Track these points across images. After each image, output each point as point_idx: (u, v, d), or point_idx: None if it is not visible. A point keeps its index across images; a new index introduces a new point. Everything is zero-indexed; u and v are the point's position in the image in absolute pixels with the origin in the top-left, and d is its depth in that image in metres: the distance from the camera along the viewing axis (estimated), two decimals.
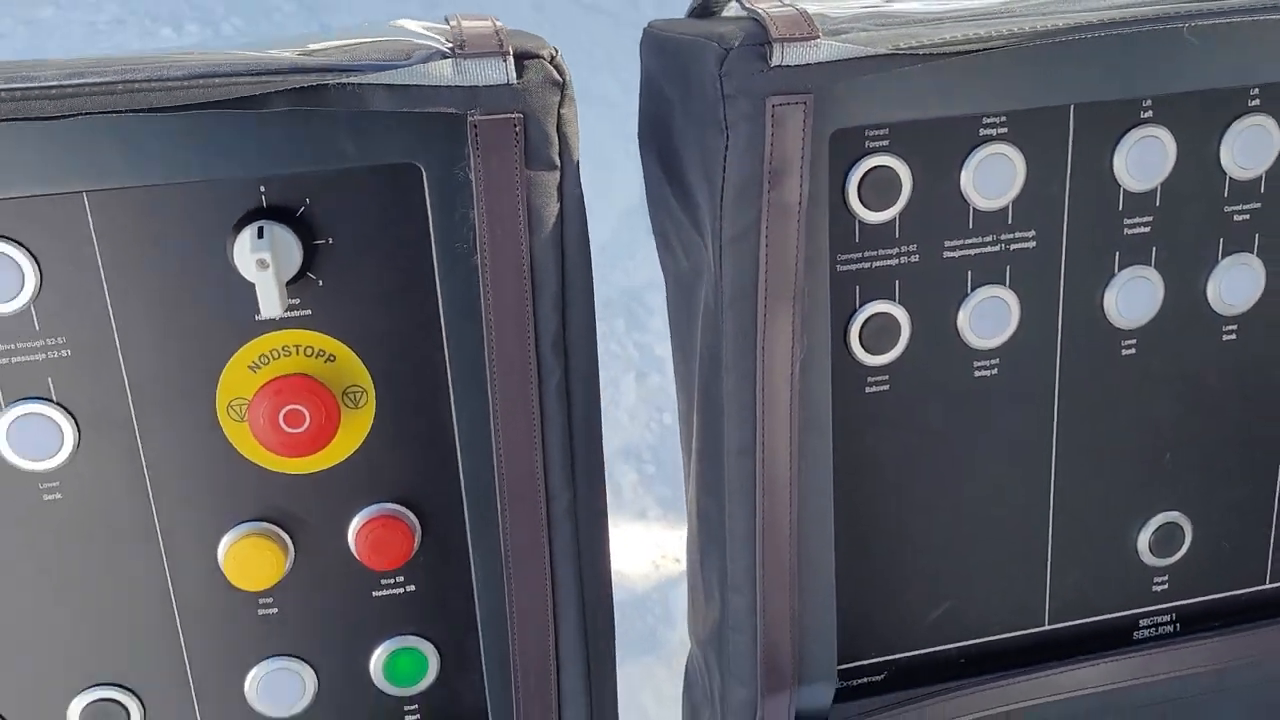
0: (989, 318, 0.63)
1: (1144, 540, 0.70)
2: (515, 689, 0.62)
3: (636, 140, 0.66)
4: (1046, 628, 0.71)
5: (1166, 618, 0.73)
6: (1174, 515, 0.70)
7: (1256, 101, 0.62)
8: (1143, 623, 0.73)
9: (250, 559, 0.58)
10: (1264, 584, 0.73)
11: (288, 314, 0.55)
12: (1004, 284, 0.63)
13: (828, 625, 0.65)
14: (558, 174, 0.52)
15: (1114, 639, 0.72)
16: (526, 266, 0.52)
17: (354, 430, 0.58)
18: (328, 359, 0.57)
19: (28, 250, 0.53)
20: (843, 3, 0.60)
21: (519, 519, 0.58)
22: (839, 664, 0.67)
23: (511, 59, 0.49)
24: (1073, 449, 0.67)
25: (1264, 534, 0.72)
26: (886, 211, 0.60)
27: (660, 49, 0.60)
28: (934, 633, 0.70)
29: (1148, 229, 0.63)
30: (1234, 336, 0.67)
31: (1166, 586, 0.72)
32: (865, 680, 0.70)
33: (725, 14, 0.60)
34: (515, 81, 0.49)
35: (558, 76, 0.51)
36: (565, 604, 0.61)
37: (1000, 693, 0.69)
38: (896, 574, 0.68)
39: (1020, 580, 0.70)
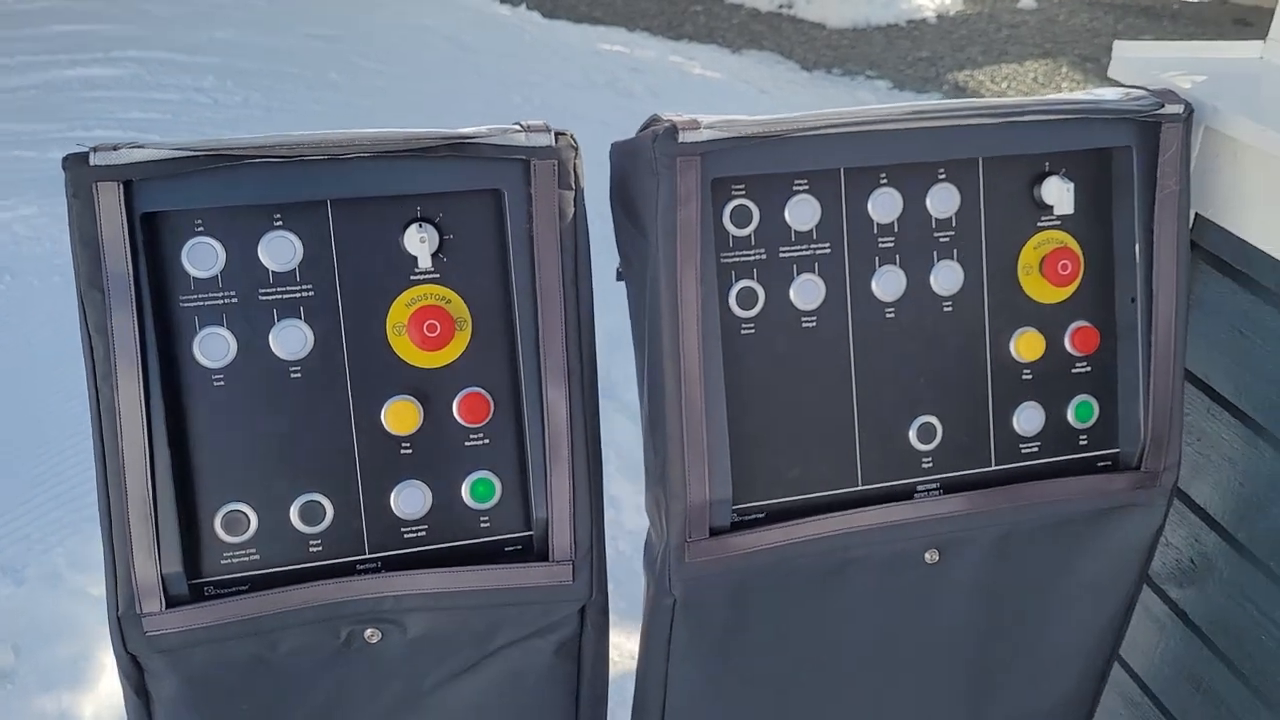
0: (808, 292, 1.13)
1: (913, 433, 1.17)
2: (549, 506, 1.06)
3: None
4: (859, 487, 1.17)
5: (934, 484, 1.19)
6: (930, 417, 1.17)
7: (944, 173, 1.15)
8: (919, 487, 1.19)
9: (400, 415, 1.04)
10: (990, 465, 1.20)
11: (427, 274, 1.04)
12: (814, 272, 1.13)
13: (725, 474, 1.10)
14: (573, 192, 1.03)
15: (901, 496, 1.18)
16: (557, 238, 1.02)
17: (459, 344, 1.05)
18: (447, 301, 1.05)
19: (296, 233, 1.01)
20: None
21: (554, 394, 1.05)
22: (734, 505, 1.12)
23: (552, 133, 1.01)
24: (863, 373, 1.15)
25: (986, 433, 1.20)
26: (745, 229, 1.10)
27: (622, 148, 1.12)
28: (791, 487, 1.15)
29: (892, 244, 1.15)
30: (950, 308, 1.17)
31: (931, 464, 1.18)
32: (751, 517, 1.14)
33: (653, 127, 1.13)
34: (554, 144, 1.01)
35: (573, 143, 1.02)
36: (579, 453, 1.06)
37: (836, 521, 1.14)
38: (766, 447, 1.14)
39: (841, 456, 1.16)
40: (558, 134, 1.02)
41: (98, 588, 2.32)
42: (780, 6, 8.76)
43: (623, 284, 1.16)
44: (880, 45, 8.02)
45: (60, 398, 2.81)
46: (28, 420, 2.73)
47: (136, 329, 0.96)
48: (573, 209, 1.03)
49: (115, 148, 0.94)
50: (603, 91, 5.67)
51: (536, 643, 1.10)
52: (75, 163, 0.94)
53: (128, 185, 0.94)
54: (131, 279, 0.95)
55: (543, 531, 1.08)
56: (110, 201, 0.94)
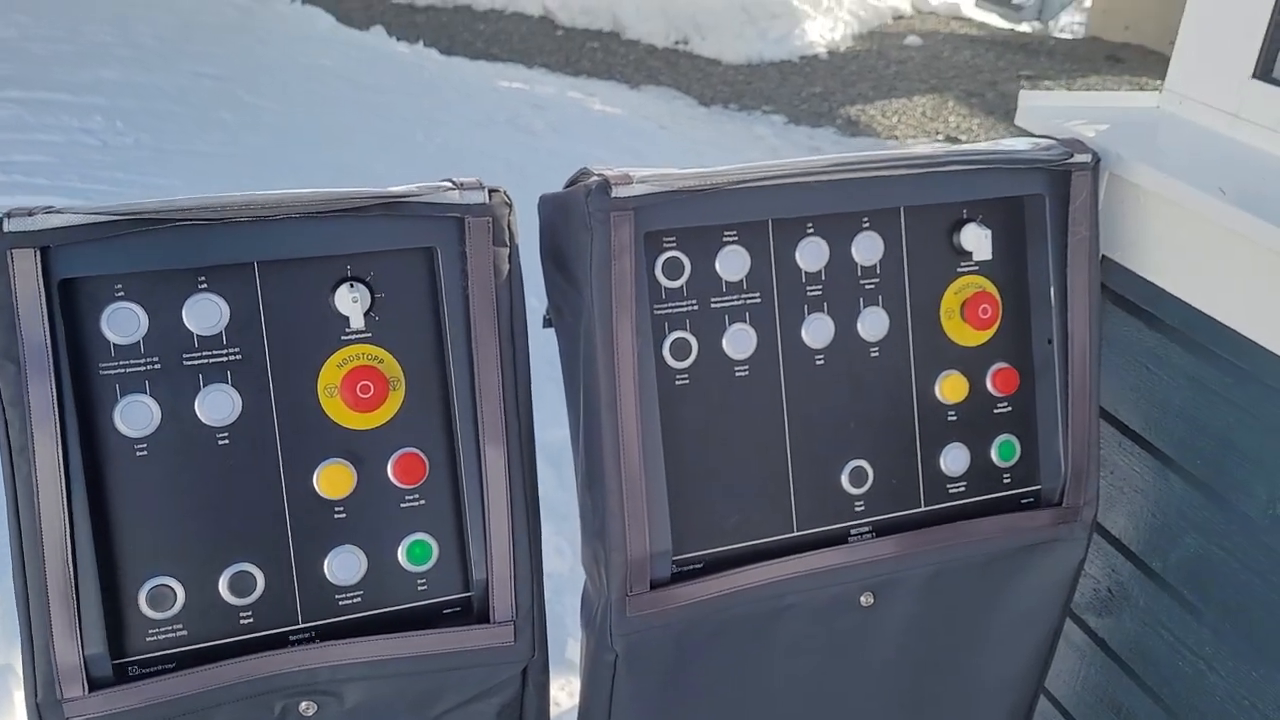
0: (740, 341, 1.14)
1: (845, 477, 1.19)
2: (489, 567, 1.05)
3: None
4: (795, 533, 1.18)
5: (866, 527, 1.21)
6: (861, 461, 1.20)
7: (867, 222, 1.17)
8: (852, 531, 1.21)
9: (333, 478, 1.02)
10: (919, 506, 1.23)
11: (359, 334, 1.02)
12: (745, 322, 1.14)
13: (664, 526, 1.10)
14: (507, 249, 1.02)
15: (836, 540, 1.19)
16: (493, 295, 1.01)
17: (392, 404, 1.04)
18: (379, 361, 1.03)
19: (223, 296, 0.98)
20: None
21: (491, 452, 1.03)
22: (673, 555, 1.12)
23: (486, 190, 1.00)
24: (795, 419, 1.17)
25: (914, 474, 1.22)
26: (677, 281, 1.11)
27: (552, 201, 1.12)
28: (729, 535, 1.16)
29: (820, 291, 1.17)
30: (877, 354, 1.20)
31: (863, 507, 1.21)
32: (690, 568, 1.14)
33: (584, 181, 1.13)
34: (488, 201, 1.00)
35: (507, 200, 1.02)
36: (518, 511, 1.05)
37: (774, 568, 1.15)
38: (703, 496, 1.14)
39: (777, 503, 1.17)
40: (491, 191, 1.01)
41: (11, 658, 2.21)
42: (676, 43, 8.88)
43: (549, 330, 1.16)
44: (775, 81, 8.20)
45: None
46: None
47: (55, 400, 0.92)
48: (507, 265, 1.03)
49: (31, 213, 0.91)
50: (504, 128, 5.67)
51: (479, 706, 1.09)
52: (10, 225, 0.90)
53: (44, 251, 0.91)
54: (49, 348, 0.92)
55: (482, 592, 1.07)
56: (26, 268, 0.90)
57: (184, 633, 1.00)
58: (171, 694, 0.98)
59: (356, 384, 1.00)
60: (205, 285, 0.98)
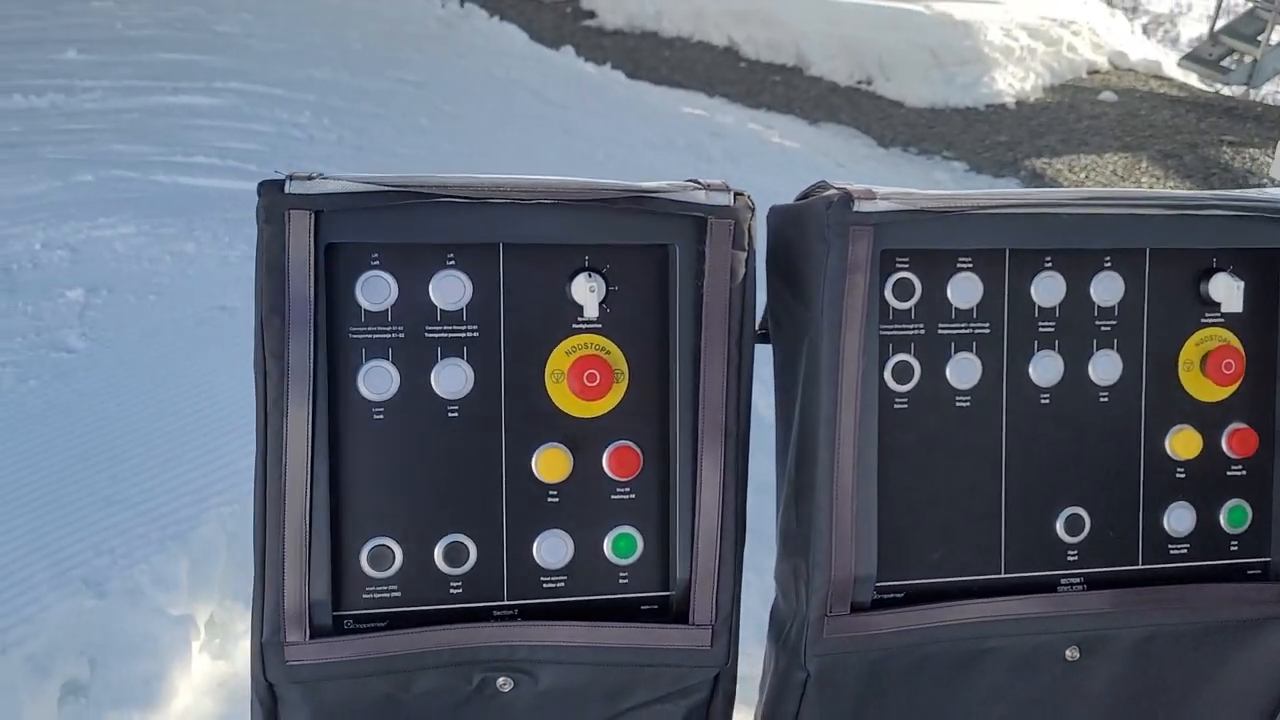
0: (964, 371, 1.11)
1: (1060, 524, 1.14)
2: (693, 567, 1.04)
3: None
4: (1002, 575, 1.14)
5: (1078, 578, 1.15)
6: (1078, 509, 1.14)
7: (1109, 261, 1.13)
8: (1062, 580, 1.15)
9: (551, 462, 1.03)
10: (1137, 564, 1.17)
11: (590, 323, 1.03)
12: (971, 351, 1.11)
13: (871, 550, 1.08)
14: (745, 253, 1.02)
15: (1044, 588, 1.14)
16: (727, 297, 1.02)
17: (614, 396, 1.05)
18: (606, 352, 1.04)
19: (468, 273, 1.01)
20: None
21: (709, 454, 1.03)
22: (876, 582, 1.10)
23: (731, 193, 1.01)
24: (1014, 457, 1.13)
25: (1134, 530, 1.16)
26: (907, 303, 1.09)
27: (784, 212, 1.11)
28: (933, 568, 1.12)
29: (1052, 328, 1.13)
30: (1107, 399, 1.15)
31: (1076, 557, 1.15)
32: (890, 596, 1.11)
33: (822, 194, 1.12)
34: (732, 204, 1.01)
35: (750, 204, 1.02)
36: (728, 516, 1.04)
37: (977, 608, 1.11)
38: (911, 526, 1.11)
39: (986, 541, 1.13)
40: (736, 194, 1.02)
41: (178, 608, 2.34)
42: (859, 82, 8.82)
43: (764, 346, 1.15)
44: (958, 127, 8.04)
45: (150, 415, 2.84)
46: (113, 436, 2.76)
47: (312, 356, 0.96)
48: (743, 269, 1.03)
49: (310, 177, 0.96)
50: (682, 153, 5.73)
51: (667, 707, 1.08)
52: (270, 189, 0.95)
53: (317, 214, 0.95)
54: (312, 307, 0.96)
55: (682, 593, 1.06)
56: (301, 229, 0.95)
57: (398, 594, 1.03)
58: (381, 651, 1.01)
59: (584, 372, 1.02)
60: (453, 262, 1.01)
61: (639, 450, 1.05)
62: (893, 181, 6.98)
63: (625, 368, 1.05)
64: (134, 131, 4.33)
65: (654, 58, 8.79)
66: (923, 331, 1.10)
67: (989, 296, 1.10)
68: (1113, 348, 1.14)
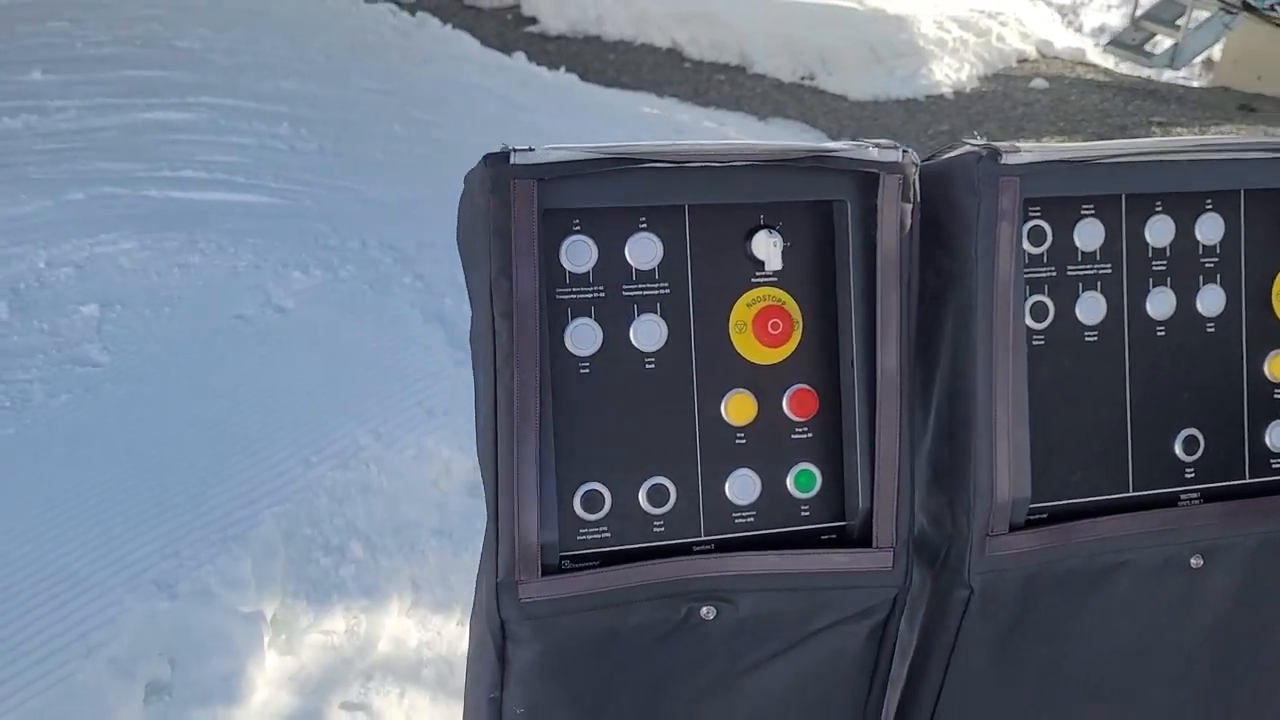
0: (1091, 309, 1.22)
1: (1178, 444, 1.27)
2: (874, 496, 1.15)
3: None
4: (1131, 494, 1.26)
5: (1195, 493, 1.28)
6: (1193, 430, 1.27)
7: (1210, 203, 1.26)
8: (1181, 496, 1.28)
9: (739, 407, 1.13)
10: (1244, 478, 1.30)
11: (768, 277, 1.13)
12: (1097, 290, 1.23)
13: (1025, 475, 1.19)
14: (911, 205, 1.13)
15: (1168, 503, 1.27)
16: (898, 246, 1.12)
17: (792, 342, 1.15)
18: (783, 302, 1.14)
19: (658, 235, 1.11)
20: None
21: (885, 397, 1.14)
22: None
23: (900, 149, 1.12)
24: (1136, 385, 1.25)
25: (1240, 447, 1.30)
26: (1040, 248, 1.21)
27: (928, 169, 1.22)
28: (1072, 490, 1.24)
29: (1164, 267, 1.25)
30: (1213, 329, 1.28)
31: (1193, 475, 1.28)
32: (1037, 517, 1.23)
33: (967, 150, 1.23)
34: (901, 160, 1.12)
35: (915, 160, 1.13)
36: (904, 449, 1.15)
37: (1113, 524, 1.23)
38: (1052, 452, 1.23)
39: (1115, 464, 1.25)
40: (904, 150, 1.13)
41: (247, 605, 2.38)
42: (802, 78, 9.01)
43: None
44: (901, 118, 8.28)
45: (182, 423, 2.86)
46: (151, 446, 2.78)
47: (538, 315, 1.05)
48: (910, 220, 1.14)
49: (531, 149, 1.04)
50: None
51: (853, 626, 1.18)
52: (496, 160, 1.03)
53: (539, 183, 1.04)
54: (536, 269, 1.05)
55: (861, 521, 1.16)
56: (525, 196, 1.03)
57: (607, 534, 1.12)
58: (599, 587, 1.10)
59: (768, 321, 1.12)
60: (645, 225, 1.10)
61: (816, 392, 1.16)
62: None
63: (800, 316, 1.15)
64: (115, 149, 4.31)
65: (600, 61, 8.89)
66: (1054, 273, 1.22)
67: (1109, 239, 1.23)
68: (1217, 283, 1.27)
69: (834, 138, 7.81)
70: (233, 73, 5.30)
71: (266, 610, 2.38)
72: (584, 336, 1.09)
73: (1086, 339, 1.24)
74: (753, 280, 1.14)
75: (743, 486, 1.15)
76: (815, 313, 1.15)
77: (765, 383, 1.15)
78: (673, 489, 1.13)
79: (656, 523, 1.13)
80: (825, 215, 1.15)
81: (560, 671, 1.13)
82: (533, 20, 9.79)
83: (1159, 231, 1.24)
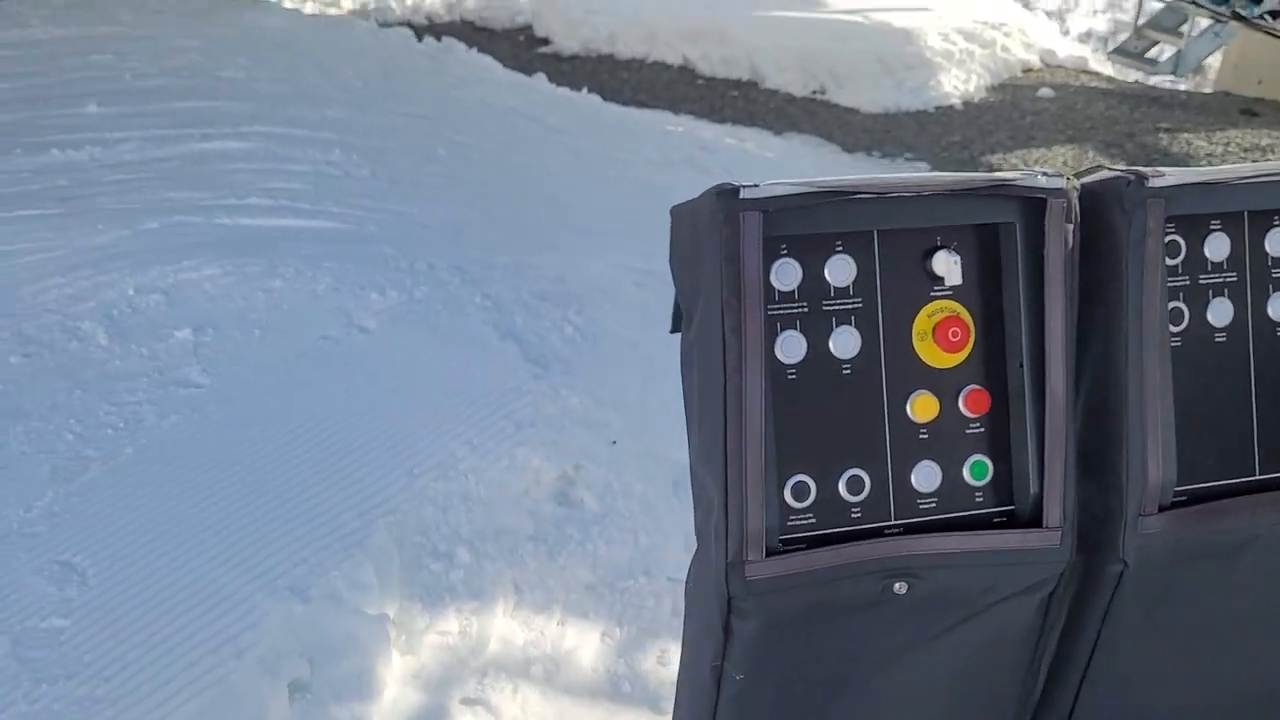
0: (1221, 313, 1.39)
1: None
2: (1043, 482, 1.31)
3: None
4: (1256, 476, 1.43)
5: None
6: None
7: None
8: None
9: (923, 405, 1.29)
10: None
11: (945, 291, 1.29)
12: (1225, 296, 1.39)
13: (1172, 460, 1.35)
14: (1072, 225, 1.30)
15: None
16: (1062, 261, 1.28)
17: (967, 348, 1.31)
18: (958, 313, 1.30)
19: (852, 256, 1.27)
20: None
21: (1053, 396, 1.30)
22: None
23: (1064, 177, 1.28)
24: (1260, 380, 1.42)
25: None
26: (1175, 259, 1.37)
27: (1083, 193, 1.38)
28: (1206, 474, 1.40)
29: None
30: None
31: None
32: (1178, 499, 1.39)
33: (1109, 175, 1.39)
34: (1065, 186, 1.28)
35: (1076, 185, 1.30)
36: (1070, 436, 1.31)
37: (1243, 503, 1.39)
38: (1189, 440, 1.39)
39: (1242, 449, 1.42)
40: (1067, 178, 1.29)
41: (372, 608, 2.53)
42: (814, 92, 9.21)
43: None
44: (912, 130, 8.47)
45: (287, 439, 3.01)
46: (261, 461, 2.92)
47: (763, 330, 1.21)
48: (1071, 239, 1.30)
49: (755, 185, 1.20)
50: (682, 168, 6.00)
51: (1025, 599, 1.34)
52: (727, 195, 1.19)
53: (764, 214, 1.20)
54: (760, 290, 1.21)
55: (1031, 504, 1.32)
56: (752, 226, 1.19)
57: (813, 520, 1.27)
58: (811, 566, 1.25)
59: (948, 330, 1.28)
60: (840, 248, 1.26)
61: (988, 392, 1.32)
62: None
63: (972, 324, 1.31)
64: (180, 178, 4.46)
65: (614, 80, 9.07)
66: (1188, 282, 1.38)
67: (1234, 250, 1.39)
68: None
69: (849, 151, 8.00)
70: (278, 102, 5.46)
71: (388, 612, 2.52)
72: (791, 346, 1.26)
73: (1216, 339, 1.40)
74: (932, 294, 1.30)
75: (926, 476, 1.31)
76: (985, 321, 1.32)
77: (944, 384, 1.31)
78: (867, 479, 1.29)
79: (854, 509, 1.29)
80: (993, 234, 1.31)
81: (775, 641, 1.29)
82: (545, 41, 9.98)
83: (1278, 242, 1.41)
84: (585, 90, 7.65)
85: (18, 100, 5.20)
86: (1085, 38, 11.91)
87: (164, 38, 6.16)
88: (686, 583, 1.38)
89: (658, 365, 3.83)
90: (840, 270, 1.27)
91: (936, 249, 1.29)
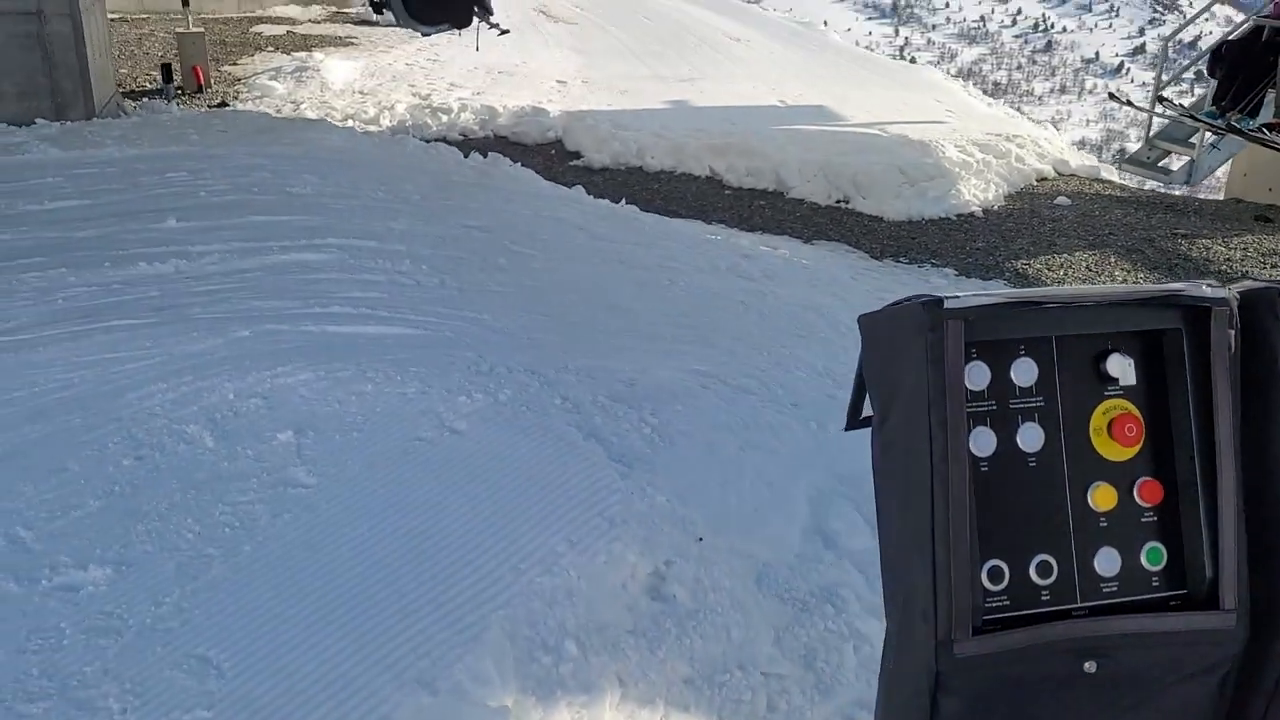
0: None
1: None
2: (1217, 569, 1.44)
3: None
4: None
5: None
6: None
7: None
8: None
9: (1102, 496, 1.44)
10: None
11: (1119, 390, 1.45)
12: None
13: None
14: (1234, 331, 1.46)
15: None
16: (1226, 364, 1.45)
17: (1139, 443, 1.46)
18: (1130, 410, 1.46)
19: (1034, 359, 1.43)
20: None
21: (1225, 482, 1.44)
22: None
23: (1227, 287, 1.45)
24: None
25: None
26: None
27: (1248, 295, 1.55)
28: None
29: None
30: None
31: None
32: None
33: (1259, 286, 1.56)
34: (1227, 296, 1.45)
35: (1237, 295, 1.47)
36: (1240, 524, 1.45)
37: None
38: None
39: None
40: (1228, 288, 1.46)
41: (494, 700, 2.62)
42: (837, 201, 9.54)
43: None
44: (936, 237, 8.75)
45: (399, 537, 3.14)
46: (376, 558, 3.05)
47: (966, 424, 1.36)
48: (1234, 344, 1.46)
49: (957, 296, 1.37)
50: (728, 276, 6.24)
51: (1204, 679, 1.46)
52: (933, 305, 1.36)
53: (965, 323, 1.37)
54: (964, 389, 1.37)
55: (1205, 588, 1.45)
56: (956, 333, 1.36)
57: (1007, 602, 1.40)
58: (1008, 646, 1.38)
59: (1124, 426, 1.43)
60: (1023, 351, 1.43)
61: (1161, 483, 1.46)
62: (895, 287, 7.50)
63: (1143, 420, 1.46)
64: (264, 288, 4.66)
65: (646, 190, 9.40)
66: None
67: None
68: None
69: (877, 258, 8.26)
70: (346, 215, 5.71)
71: (508, 704, 2.61)
72: (984, 441, 1.41)
73: None
74: (1106, 393, 1.46)
75: (1107, 561, 1.44)
76: (1153, 416, 1.47)
77: (1120, 475, 1.45)
78: (1055, 564, 1.43)
79: (1044, 592, 1.43)
80: (1158, 339, 1.47)
81: (979, 715, 1.41)
82: (576, 154, 10.37)
83: None
84: (623, 201, 7.95)
85: (102, 216, 5.45)
86: (1080, 146, 12.33)
87: (233, 156, 6.46)
88: (884, 663, 1.50)
89: (732, 466, 3.98)
90: (1025, 372, 1.43)
91: (1109, 352, 1.45)
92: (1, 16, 7.19)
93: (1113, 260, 8.39)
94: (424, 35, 7.95)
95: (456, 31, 8.00)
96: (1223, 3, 9.89)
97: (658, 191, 9.51)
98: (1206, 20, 10.11)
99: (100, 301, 4.49)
